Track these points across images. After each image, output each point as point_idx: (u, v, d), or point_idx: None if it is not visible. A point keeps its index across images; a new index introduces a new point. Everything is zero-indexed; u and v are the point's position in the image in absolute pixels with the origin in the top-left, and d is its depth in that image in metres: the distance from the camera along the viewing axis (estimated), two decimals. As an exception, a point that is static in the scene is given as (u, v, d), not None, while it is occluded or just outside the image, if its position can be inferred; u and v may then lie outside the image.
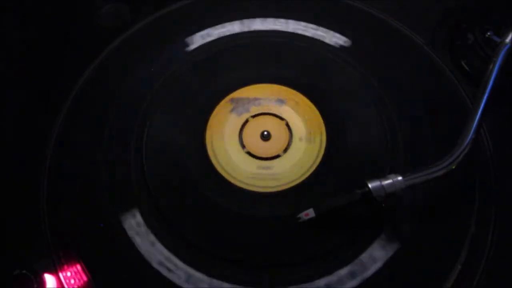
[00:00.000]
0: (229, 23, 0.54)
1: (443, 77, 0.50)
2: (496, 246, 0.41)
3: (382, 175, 0.39)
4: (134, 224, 0.42)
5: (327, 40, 0.52)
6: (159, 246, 0.41)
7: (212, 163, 0.44)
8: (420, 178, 0.39)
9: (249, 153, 0.45)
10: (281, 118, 0.47)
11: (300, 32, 0.53)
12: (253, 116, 0.47)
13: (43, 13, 0.55)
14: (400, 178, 0.39)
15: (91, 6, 0.55)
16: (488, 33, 0.47)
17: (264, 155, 0.45)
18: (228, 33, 0.53)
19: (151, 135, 0.46)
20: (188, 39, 0.52)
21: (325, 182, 0.43)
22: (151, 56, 0.51)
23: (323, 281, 0.39)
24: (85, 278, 0.40)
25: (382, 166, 0.43)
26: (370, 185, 0.38)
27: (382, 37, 0.53)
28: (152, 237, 0.41)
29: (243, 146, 0.46)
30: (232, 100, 0.48)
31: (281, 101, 0.48)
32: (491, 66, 0.43)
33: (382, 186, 0.38)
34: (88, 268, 0.40)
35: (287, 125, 0.47)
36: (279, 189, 0.43)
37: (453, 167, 0.39)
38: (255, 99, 0.48)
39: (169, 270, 0.40)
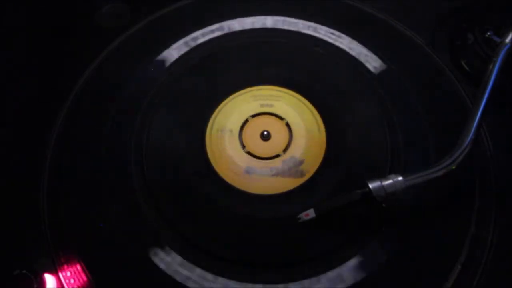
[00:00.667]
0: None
1: (443, 77, 0.50)
2: (496, 246, 0.41)
3: (382, 175, 0.39)
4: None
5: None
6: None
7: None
8: (420, 178, 0.39)
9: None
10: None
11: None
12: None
13: (43, 13, 0.55)
14: (400, 178, 0.39)
15: (91, 6, 0.55)
16: (488, 33, 0.47)
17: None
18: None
19: (151, 135, 0.46)
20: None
21: (325, 182, 0.43)
22: (151, 56, 0.51)
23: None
24: (85, 278, 0.40)
25: (382, 166, 0.44)
26: (370, 185, 0.39)
27: (382, 37, 0.53)
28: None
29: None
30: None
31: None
32: (491, 66, 0.43)
33: (383, 186, 0.38)
34: (88, 268, 0.40)
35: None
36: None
37: (453, 167, 0.39)
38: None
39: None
